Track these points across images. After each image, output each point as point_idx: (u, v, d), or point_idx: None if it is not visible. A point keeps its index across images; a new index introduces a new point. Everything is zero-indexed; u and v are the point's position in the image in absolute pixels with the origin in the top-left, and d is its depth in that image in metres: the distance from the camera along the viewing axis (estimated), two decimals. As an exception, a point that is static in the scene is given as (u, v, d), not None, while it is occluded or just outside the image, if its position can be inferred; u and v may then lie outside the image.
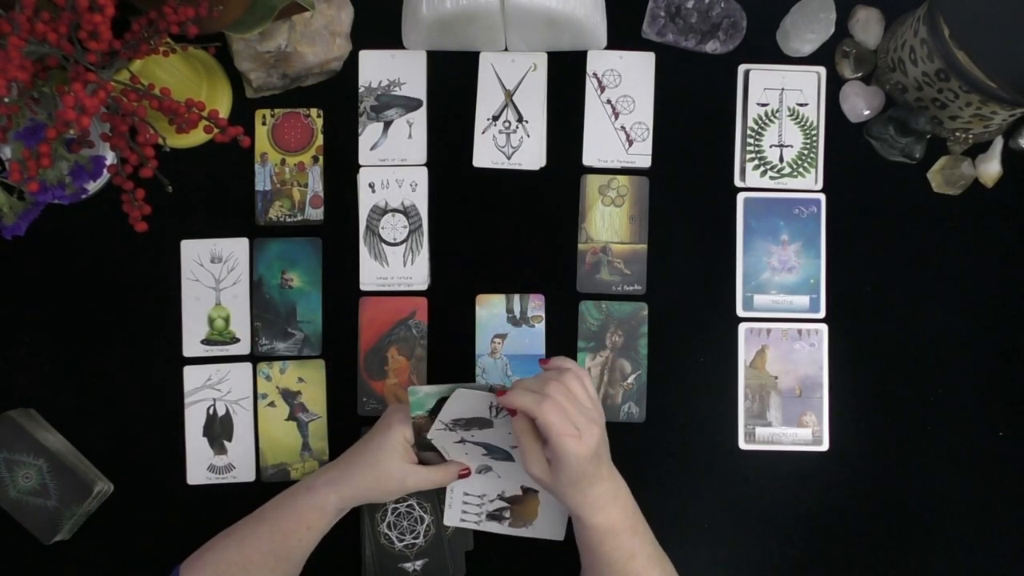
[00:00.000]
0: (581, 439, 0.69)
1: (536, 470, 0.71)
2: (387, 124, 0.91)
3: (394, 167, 0.91)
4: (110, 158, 0.85)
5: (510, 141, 0.91)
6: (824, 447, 0.89)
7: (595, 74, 0.92)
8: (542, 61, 0.92)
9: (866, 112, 0.91)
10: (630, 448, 0.89)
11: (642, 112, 0.91)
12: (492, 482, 0.83)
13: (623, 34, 0.92)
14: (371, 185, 0.90)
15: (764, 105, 0.91)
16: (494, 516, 0.84)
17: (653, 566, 0.74)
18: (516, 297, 0.90)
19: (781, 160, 0.91)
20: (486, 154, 0.91)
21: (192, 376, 0.89)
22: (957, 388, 0.89)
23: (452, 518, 0.84)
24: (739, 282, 0.90)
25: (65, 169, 0.75)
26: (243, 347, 0.89)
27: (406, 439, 0.77)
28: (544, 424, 0.68)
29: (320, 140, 0.91)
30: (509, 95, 0.91)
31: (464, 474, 0.81)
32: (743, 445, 0.89)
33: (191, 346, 0.89)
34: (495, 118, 0.91)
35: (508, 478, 0.82)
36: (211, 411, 0.89)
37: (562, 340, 0.89)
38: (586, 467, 0.70)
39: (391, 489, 0.77)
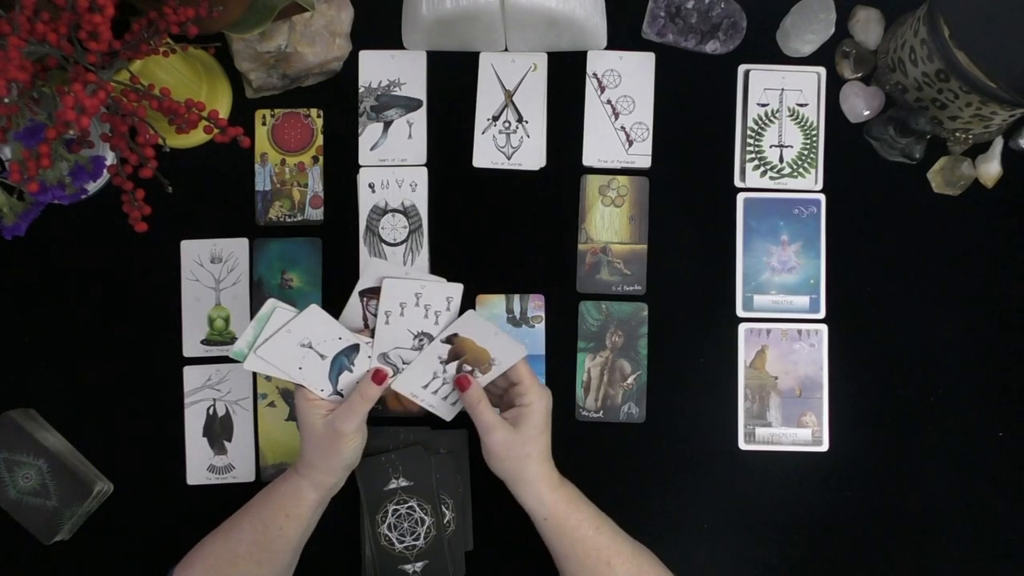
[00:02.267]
0: (543, 389, 0.78)
1: (499, 434, 0.75)
2: (387, 124, 0.91)
3: (394, 167, 0.91)
4: (110, 158, 0.85)
5: (510, 141, 0.91)
6: (824, 447, 0.89)
7: (595, 74, 0.92)
8: (542, 61, 0.92)
9: (866, 112, 0.91)
10: (630, 448, 0.89)
11: (642, 112, 0.91)
12: (425, 361, 0.79)
13: (623, 34, 0.92)
14: (371, 185, 0.90)
15: (764, 105, 0.91)
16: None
17: (623, 541, 0.77)
18: (516, 297, 0.90)
19: (781, 160, 0.91)
20: (486, 154, 0.91)
21: (192, 376, 0.89)
22: (957, 388, 0.89)
23: (446, 412, 0.82)
24: (739, 282, 0.90)
25: (65, 169, 0.75)
26: (243, 347, 0.90)
27: (309, 397, 0.77)
28: (524, 370, 0.77)
29: (320, 140, 0.91)
30: (509, 95, 0.91)
31: (381, 375, 0.78)
32: (743, 445, 0.89)
33: (191, 346, 0.89)
34: (495, 118, 0.91)
35: (426, 353, 0.80)
36: (211, 411, 0.89)
37: (562, 340, 0.89)
38: (546, 422, 0.77)
39: (334, 443, 0.76)
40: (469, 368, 0.79)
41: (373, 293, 0.80)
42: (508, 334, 0.79)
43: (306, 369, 0.77)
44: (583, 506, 0.78)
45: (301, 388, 0.78)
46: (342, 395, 0.79)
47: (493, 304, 0.90)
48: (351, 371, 0.79)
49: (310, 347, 0.77)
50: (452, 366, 0.79)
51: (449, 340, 0.79)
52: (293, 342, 0.77)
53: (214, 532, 0.78)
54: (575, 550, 0.75)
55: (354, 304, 0.81)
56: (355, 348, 0.78)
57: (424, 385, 0.80)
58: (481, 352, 0.79)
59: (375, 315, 0.80)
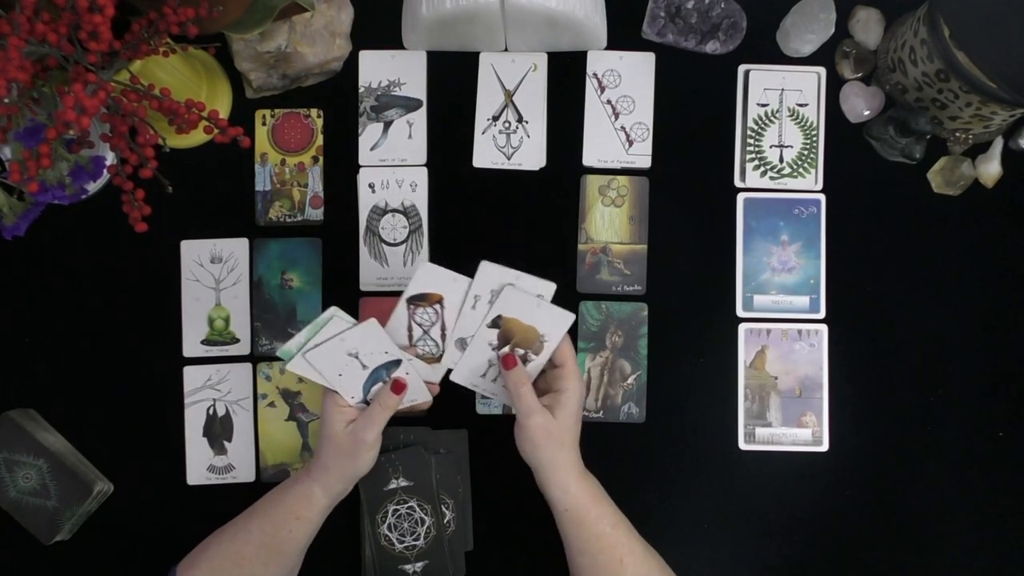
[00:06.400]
0: (581, 378, 0.78)
1: (538, 418, 0.75)
2: (387, 124, 0.91)
3: (394, 167, 0.91)
4: (110, 158, 0.85)
5: (510, 141, 0.91)
6: (824, 447, 0.89)
7: (595, 74, 0.92)
8: (542, 61, 0.92)
9: (866, 112, 0.91)
10: (630, 448, 0.89)
11: (642, 112, 0.91)
12: (477, 350, 0.79)
13: (623, 34, 0.92)
14: (371, 185, 0.90)
15: (764, 105, 0.91)
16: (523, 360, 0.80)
17: (636, 540, 0.77)
18: (516, 297, 0.90)
19: (781, 160, 0.91)
20: (486, 154, 0.91)
21: (192, 376, 0.89)
22: (957, 388, 0.89)
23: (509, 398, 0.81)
24: (739, 282, 0.90)
25: (65, 169, 0.75)
26: (243, 347, 0.90)
27: (339, 403, 0.77)
28: (568, 353, 0.77)
29: (320, 140, 0.91)
30: (509, 95, 0.91)
31: (399, 386, 0.77)
32: (743, 445, 0.89)
33: (191, 346, 0.89)
34: (495, 118, 0.91)
35: (473, 343, 0.79)
36: (211, 411, 0.89)
37: (562, 340, 0.89)
38: (580, 411, 0.77)
39: (353, 451, 0.76)
40: (521, 352, 0.78)
41: (420, 300, 0.79)
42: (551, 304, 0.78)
43: (345, 376, 0.77)
44: (603, 501, 0.77)
45: (332, 393, 0.78)
46: (369, 404, 0.79)
47: (493, 304, 0.90)
48: (385, 383, 0.79)
49: (356, 357, 0.77)
50: (505, 351, 0.79)
51: (495, 324, 0.78)
52: (342, 350, 0.76)
53: (219, 532, 0.78)
54: (590, 545, 0.75)
55: (401, 313, 0.80)
56: (396, 363, 0.78)
57: (483, 374, 0.80)
58: (529, 330, 0.78)
59: (420, 324, 0.80)
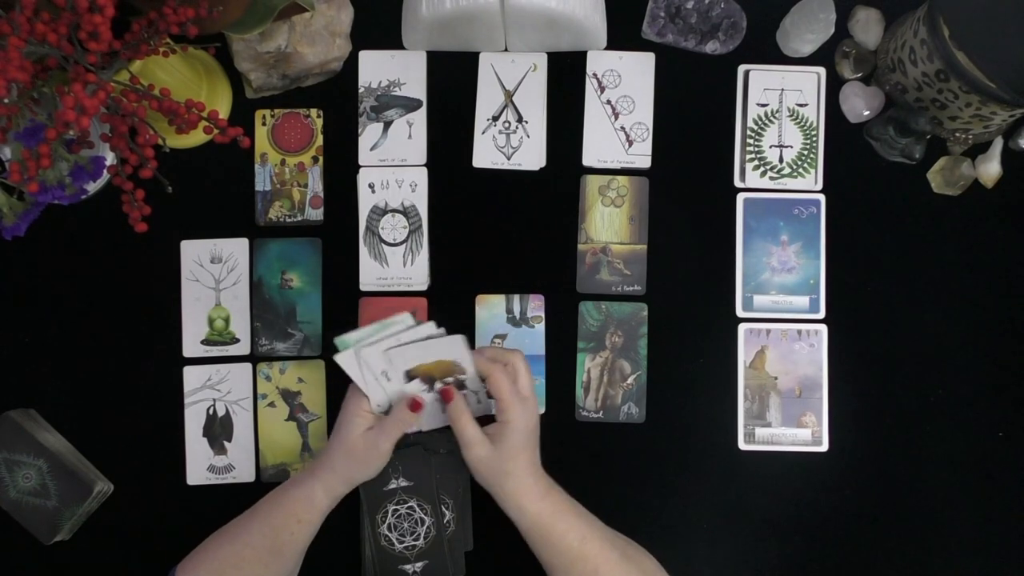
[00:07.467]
0: (526, 405, 0.75)
1: (478, 450, 0.75)
2: (387, 124, 0.91)
3: (394, 167, 0.91)
4: (110, 158, 0.85)
5: (510, 141, 0.91)
6: (824, 447, 0.89)
7: (595, 74, 0.92)
8: (542, 61, 0.92)
9: (866, 112, 0.91)
10: (630, 448, 0.89)
11: (642, 112, 0.91)
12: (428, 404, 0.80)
13: (623, 34, 0.92)
14: (371, 185, 0.90)
15: (764, 105, 0.91)
16: None
17: (610, 549, 0.75)
18: (516, 297, 0.90)
19: (781, 160, 0.91)
20: (486, 154, 0.91)
21: (192, 376, 0.89)
22: (957, 388, 0.89)
23: (483, 411, 0.82)
24: (739, 282, 0.90)
25: (65, 169, 0.75)
26: (243, 347, 0.90)
27: (364, 408, 0.77)
28: (500, 384, 0.74)
29: (320, 140, 0.91)
30: (509, 95, 0.91)
31: (416, 405, 0.77)
32: (743, 445, 0.89)
33: (191, 346, 0.89)
34: (495, 118, 0.91)
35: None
36: (211, 411, 0.89)
37: (562, 340, 0.89)
38: (528, 438, 0.75)
39: (366, 459, 0.76)
40: (451, 380, 0.78)
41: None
42: (439, 333, 0.77)
43: (380, 383, 0.77)
44: (570, 516, 0.76)
45: (358, 396, 0.77)
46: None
47: (493, 304, 0.90)
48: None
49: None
50: (438, 386, 0.79)
51: (411, 377, 0.78)
52: (395, 364, 0.76)
53: (219, 534, 0.78)
54: (561, 560, 0.75)
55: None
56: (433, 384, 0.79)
57: (443, 410, 0.80)
58: (440, 363, 0.77)
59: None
